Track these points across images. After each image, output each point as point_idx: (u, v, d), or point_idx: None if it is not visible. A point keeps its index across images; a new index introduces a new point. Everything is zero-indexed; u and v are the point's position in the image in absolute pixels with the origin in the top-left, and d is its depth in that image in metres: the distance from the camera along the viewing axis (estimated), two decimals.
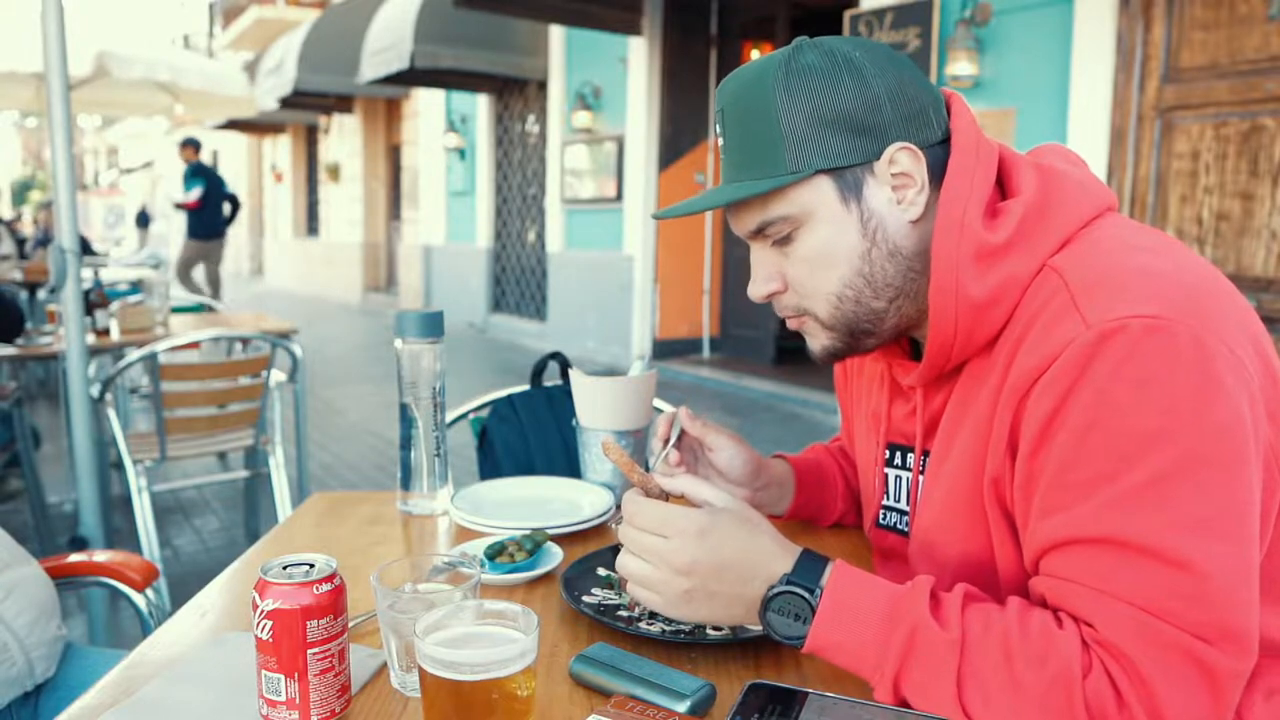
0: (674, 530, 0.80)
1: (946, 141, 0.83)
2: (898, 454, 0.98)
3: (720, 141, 0.87)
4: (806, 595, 0.75)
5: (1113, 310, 0.70)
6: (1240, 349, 0.70)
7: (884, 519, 1.00)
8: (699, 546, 0.79)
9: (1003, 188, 0.84)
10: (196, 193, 9.08)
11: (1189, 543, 0.66)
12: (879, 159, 0.81)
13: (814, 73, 0.80)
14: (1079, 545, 0.70)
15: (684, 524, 0.79)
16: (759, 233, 0.85)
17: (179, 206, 9.13)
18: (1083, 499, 0.70)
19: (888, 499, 1.00)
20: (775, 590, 0.76)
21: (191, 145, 9.20)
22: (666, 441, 1.06)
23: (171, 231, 26.83)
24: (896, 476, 0.98)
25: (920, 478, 0.94)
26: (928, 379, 0.88)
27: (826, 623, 0.74)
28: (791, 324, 0.90)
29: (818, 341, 0.89)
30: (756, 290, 0.88)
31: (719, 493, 0.86)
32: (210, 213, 9.19)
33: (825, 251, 0.83)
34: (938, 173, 0.82)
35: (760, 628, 0.80)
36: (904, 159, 0.81)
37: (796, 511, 1.17)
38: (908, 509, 0.97)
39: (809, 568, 0.77)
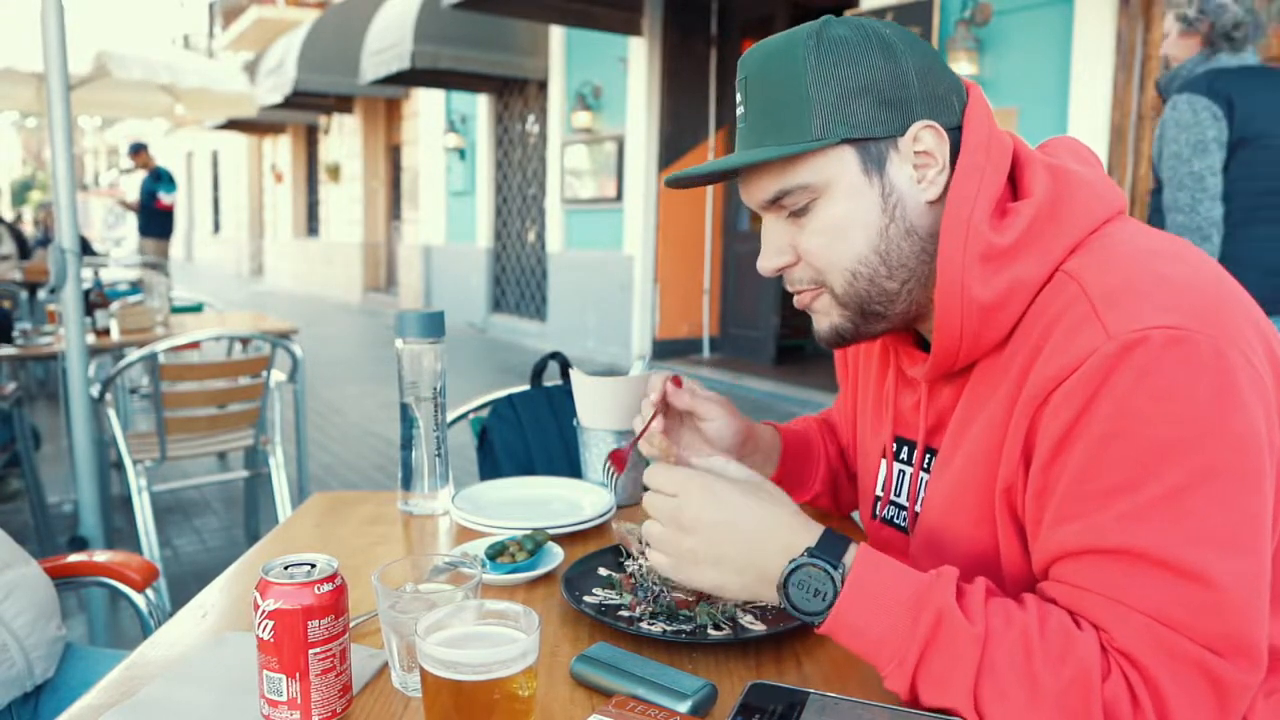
0: (681, 489, 0.80)
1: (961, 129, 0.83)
2: (901, 448, 0.98)
3: (740, 110, 0.85)
4: (829, 570, 0.74)
5: (1135, 320, 0.69)
6: (1256, 358, 0.70)
7: (883, 512, 1.00)
8: (702, 503, 0.79)
9: (1015, 185, 0.83)
10: (174, 195, 9.11)
11: (1205, 556, 0.66)
12: (903, 135, 0.81)
13: (845, 44, 0.80)
14: (1095, 555, 0.70)
15: (690, 483, 0.80)
16: (774, 202, 0.84)
17: (155, 209, 9.06)
18: (1100, 509, 0.70)
19: (885, 490, 0.99)
20: (796, 563, 0.75)
21: (145, 150, 9.19)
22: (656, 407, 1.05)
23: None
24: (900, 471, 0.98)
25: (923, 474, 0.93)
26: (934, 377, 0.87)
27: (849, 603, 0.73)
28: (802, 300, 0.88)
29: (827, 320, 0.87)
30: (767, 263, 0.87)
31: (747, 471, 0.84)
32: (169, 216, 9.22)
33: (843, 223, 0.81)
34: (955, 157, 0.82)
35: (768, 607, 0.79)
36: (928, 137, 0.81)
37: (776, 482, 1.17)
38: (906, 504, 0.96)
39: (832, 544, 0.76)
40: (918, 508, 0.94)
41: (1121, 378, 0.69)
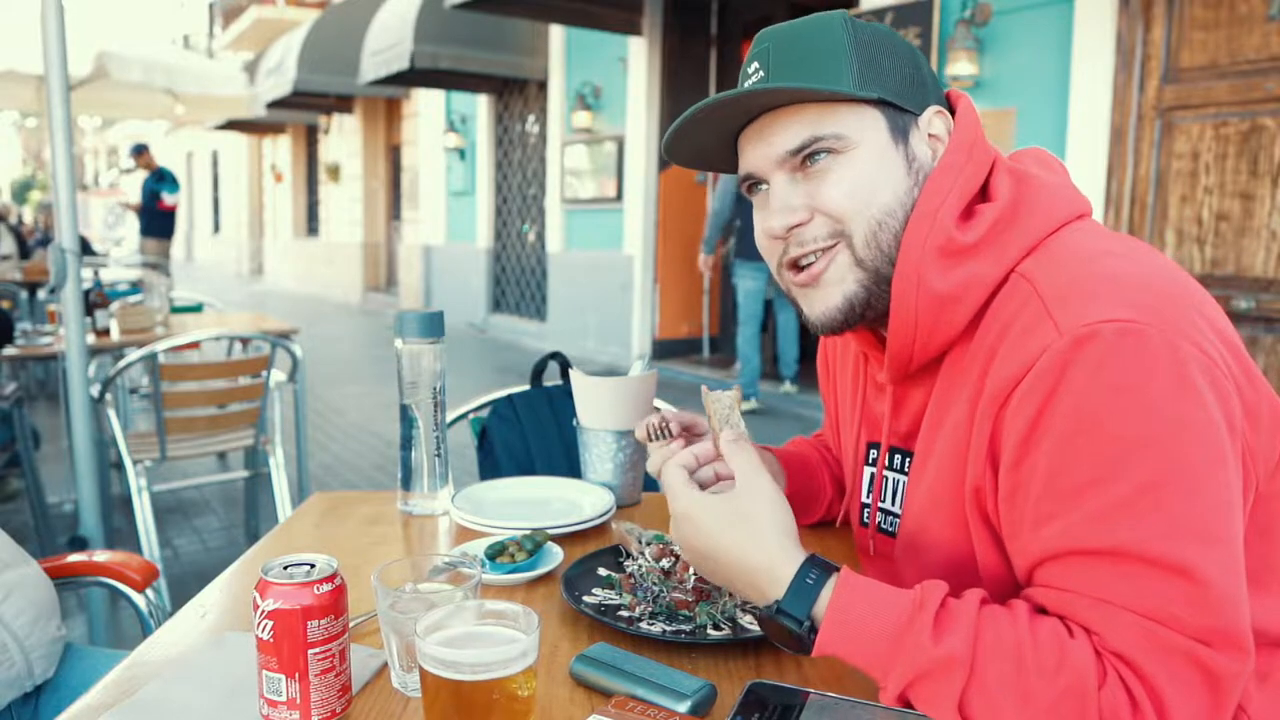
0: (675, 507, 0.83)
1: None
2: (875, 451, 0.98)
3: (757, 77, 0.83)
4: (796, 627, 0.72)
5: (1085, 316, 0.70)
6: (1211, 347, 0.71)
7: (865, 517, 1.00)
8: (688, 530, 0.81)
9: (984, 191, 0.85)
10: (177, 196, 9.08)
11: (1185, 549, 0.67)
12: (921, 114, 0.84)
13: (875, 25, 0.84)
14: (1076, 557, 0.70)
15: (681, 503, 0.82)
16: (798, 152, 0.82)
17: (157, 210, 9.02)
18: (1073, 508, 0.70)
19: (868, 497, 1.00)
20: (767, 615, 0.74)
21: (147, 151, 9.17)
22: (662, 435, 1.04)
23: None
24: (883, 476, 0.98)
25: (893, 475, 0.94)
26: (895, 375, 0.88)
27: (829, 640, 0.72)
28: (813, 270, 0.83)
29: (839, 289, 0.83)
30: (779, 221, 0.83)
31: (751, 469, 0.82)
32: (170, 216, 9.21)
33: (870, 180, 0.81)
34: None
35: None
36: (939, 123, 0.84)
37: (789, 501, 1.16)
38: (884, 506, 0.97)
39: (804, 592, 0.73)
40: (894, 507, 0.94)
41: (1077, 373, 0.69)
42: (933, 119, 0.84)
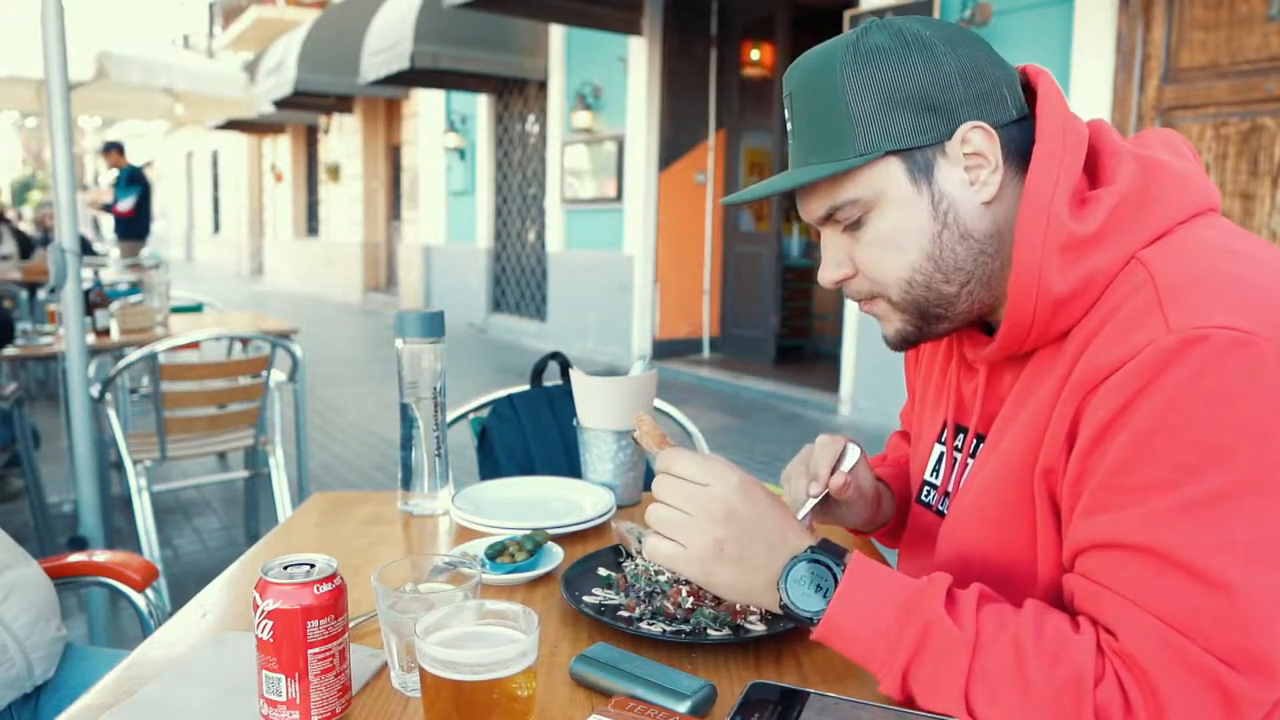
0: (717, 478, 0.79)
1: (1024, 120, 0.81)
2: (959, 435, 0.96)
3: (789, 126, 0.85)
4: (832, 566, 0.76)
5: (1199, 317, 0.67)
6: None
7: (925, 495, 0.99)
8: (741, 496, 0.78)
9: (1093, 173, 0.81)
10: (131, 201, 8.58)
11: (1233, 566, 0.64)
12: (950, 138, 0.79)
13: (882, 53, 0.79)
14: (1118, 550, 0.69)
15: (727, 473, 0.79)
16: (828, 218, 0.84)
17: (112, 212, 8.63)
18: (1132, 504, 0.68)
19: (935, 476, 0.98)
20: (799, 559, 0.77)
21: (117, 149, 8.73)
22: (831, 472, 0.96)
23: (171, 231, 26.81)
24: (951, 457, 0.96)
25: (958, 455, 0.92)
26: (996, 360, 0.86)
27: (839, 609, 0.74)
28: (864, 308, 0.89)
29: (891, 326, 0.87)
30: (827, 275, 0.87)
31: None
32: (143, 218, 8.87)
33: (895, 234, 0.81)
34: (1013, 152, 0.80)
35: (768, 613, 0.80)
36: (977, 138, 0.78)
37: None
38: (951, 489, 0.94)
39: (832, 547, 0.78)
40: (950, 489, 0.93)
41: (1175, 374, 0.66)
42: (968, 136, 0.78)
